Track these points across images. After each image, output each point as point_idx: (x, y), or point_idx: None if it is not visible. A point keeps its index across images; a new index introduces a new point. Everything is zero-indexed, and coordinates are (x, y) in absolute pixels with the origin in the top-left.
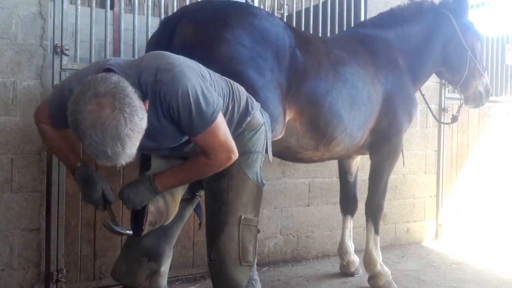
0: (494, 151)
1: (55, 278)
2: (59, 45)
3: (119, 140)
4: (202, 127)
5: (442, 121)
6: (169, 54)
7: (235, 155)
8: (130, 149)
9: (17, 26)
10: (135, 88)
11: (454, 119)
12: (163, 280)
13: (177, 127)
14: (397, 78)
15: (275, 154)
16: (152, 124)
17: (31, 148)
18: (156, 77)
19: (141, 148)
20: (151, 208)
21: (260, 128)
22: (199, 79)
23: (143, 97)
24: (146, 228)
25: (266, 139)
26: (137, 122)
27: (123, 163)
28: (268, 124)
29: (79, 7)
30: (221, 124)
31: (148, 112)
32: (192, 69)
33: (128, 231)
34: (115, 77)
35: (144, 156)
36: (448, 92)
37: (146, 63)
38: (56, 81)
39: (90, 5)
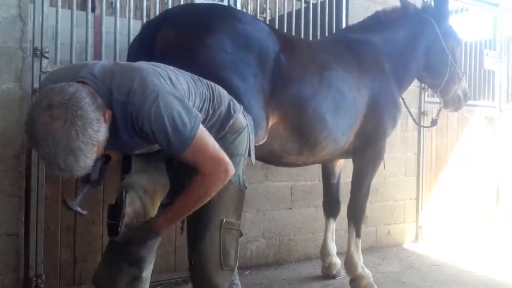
0: (473, 154)
1: (34, 284)
2: (39, 47)
3: (71, 153)
4: (184, 145)
5: (422, 124)
6: (144, 70)
7: (232, 167)
8: (84, 162)
9: None
10: (103, 100)
11: (434, 122)
12: (145, 286)
13: (151, 142)
14: (383, 82)
15: (258, 158)
16: (123, 138)
17: (9, 152)
18: (128, 99)
19: (114, 148)
20: (128, 210)
21: (242, 131)
22: (173, 97)
23: (110, 108)
24: (122, 230)
25: (249, 142)
26: (91, 135)
27: (80, 175)
28: (251, 126)
29: (59, 9)
30: (206, 138)
31: (121, 129)
32: (166, 88)
33: (83, 212)
34: (72, 88)
35: (125, 159)
36: (428, 96)
37: (119, 80)
38: (36, 84)
39: (70, 8)
